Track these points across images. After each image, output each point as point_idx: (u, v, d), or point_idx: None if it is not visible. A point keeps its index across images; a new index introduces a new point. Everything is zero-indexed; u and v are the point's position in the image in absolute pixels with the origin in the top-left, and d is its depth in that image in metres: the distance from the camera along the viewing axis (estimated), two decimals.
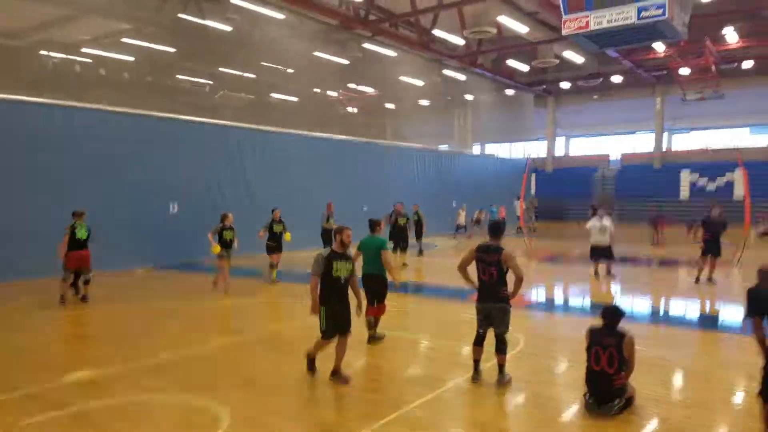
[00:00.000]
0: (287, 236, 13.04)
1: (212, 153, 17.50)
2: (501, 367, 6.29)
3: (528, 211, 29.36)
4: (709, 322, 10.09)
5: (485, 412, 5.70)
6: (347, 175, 22.15)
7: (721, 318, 10.29)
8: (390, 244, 15.27)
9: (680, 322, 10.21)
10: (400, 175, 24.75)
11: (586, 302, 11.66)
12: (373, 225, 8.33)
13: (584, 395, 5.57)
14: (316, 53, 23.29)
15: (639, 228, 25.29)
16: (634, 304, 11.46)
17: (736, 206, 23.85)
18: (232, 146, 18.14)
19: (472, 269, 6.43)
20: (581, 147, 39.78)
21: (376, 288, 8.12)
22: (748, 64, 29.21)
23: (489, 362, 6.47)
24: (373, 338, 8.11)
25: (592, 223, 13.44)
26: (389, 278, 8.12)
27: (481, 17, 20.40)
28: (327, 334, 6.21)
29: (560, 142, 40.19)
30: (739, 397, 6.10)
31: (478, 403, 5.93)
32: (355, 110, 26.64)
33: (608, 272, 13.51)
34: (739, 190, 28.05)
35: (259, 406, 5.71)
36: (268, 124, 20.33)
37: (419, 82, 27.20)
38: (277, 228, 13.06)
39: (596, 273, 13.49)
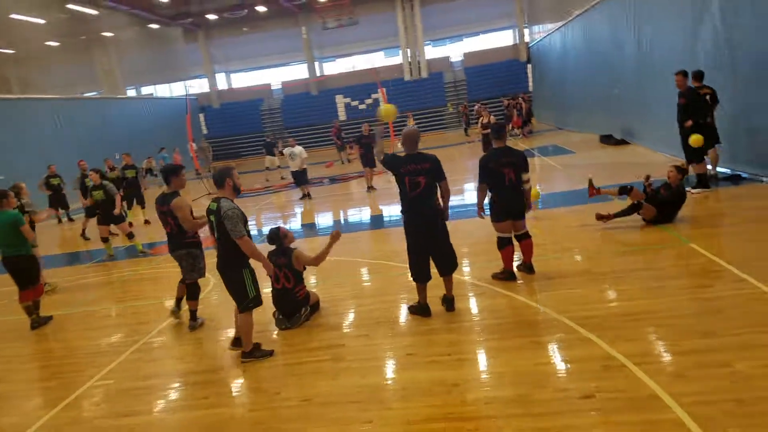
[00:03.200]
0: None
1: None
2: (193, 312, 6.20)
3: (203, 152, 28.57)
4: (376, 221, 11.52)
5: (175, 361, 5.46)
6: None
7: (386, 216, 11.79)
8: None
9: (356, 227, 11.44)
10: (40, 133, 20.92)
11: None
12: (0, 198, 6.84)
13: (273, 314, 5.88)
14: None
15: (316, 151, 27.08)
16: (319, 220, 12.40)
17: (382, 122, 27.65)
18: None
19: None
20: (244, 81, 39.90)
21: (25, 269, 6.89)
22: None
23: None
24: (38, 323, 6.93)
25: (288, 151, 14.78)
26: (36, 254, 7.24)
27: None
28: (256, 301, 4.98)
29: (221, 78, 39.54)
30: (405, 277, 7.21)
31: (173, 354, 5.64)
32: None
33: (307, 195, 14.86)
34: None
35: None
36: None
37: (39, 20, 22.83)
38: None
39: (304, 196, 14.84)
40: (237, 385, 4.73)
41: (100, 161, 14.65)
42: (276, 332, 5.70)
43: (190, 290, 6.15)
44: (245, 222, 4.89)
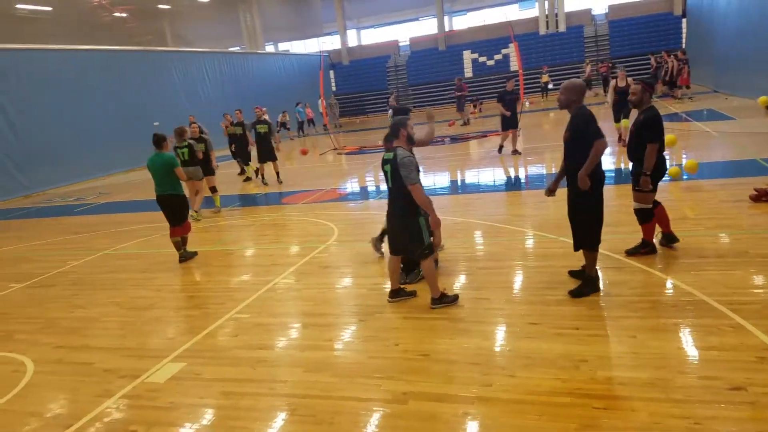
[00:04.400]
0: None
1: None
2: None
3: (331, 108, 29.46)
4: (499, 184, 11.19)
5: (302, 303, 5.74)
6: (128, 90, 19.75)
7: (504, 179, 11.45)
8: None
9: (473, 188, 11.20)
10: (189, 84, 22.74)
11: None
12: (159, 141, 7.53)
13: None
14: None
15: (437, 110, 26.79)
16: (436, 180, 12.33)
17: (513, 77, 26.44)
18: None
19: None
20: (374, 37, 40.16)
21: (176, 208, 7.58)
22: None
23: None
24: (185, 257, 7.64)
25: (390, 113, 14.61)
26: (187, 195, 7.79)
27: None
28: (431, 248, 5.05)
29: (353, 35, 40.04)
30: (529, 242, 6.97)
31: (300, 296, 5.94)
32: (124, 15, 23.19)
33: None
34: (514, 63, 31.07)
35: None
36: (20, 41, 16.93)
37: None
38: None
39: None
40: (358, 331, 4.87)
41: (243, 111, 15.23)
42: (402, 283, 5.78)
43: None
44: (418, 171, 4.94)
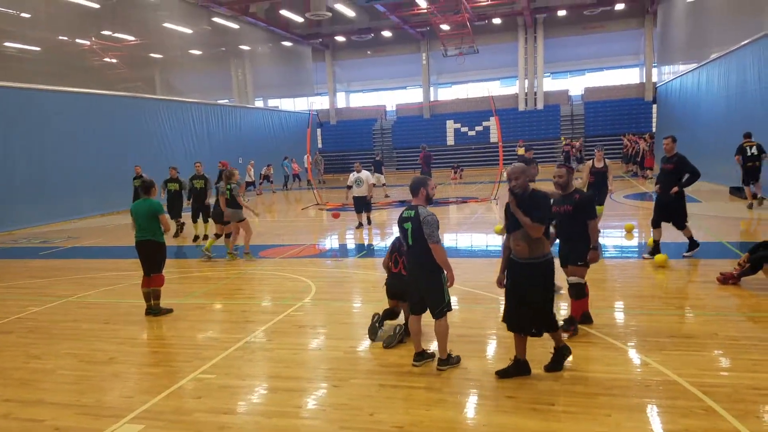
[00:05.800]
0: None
1: None
2: None
3: (316, 164, 29.82)
4: (489, 250, 11.23)
5: (273, 364, 5.52)
6: (111, 135, 19.65)
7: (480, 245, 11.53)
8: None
9: (462, 253, 11.21)
10: (176, 132, 22.80)
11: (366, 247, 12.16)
12: (148, 187, 7.43)
13: (373, 316, 5.99)
14: None
15: (415, 174, 27.28)
16: None
17: (492, 148, 27.29)
18: None
19: None
20: (361, 101, 41.34)
21: (154, 255, 7.34)
22: (497, 21, 32.88)
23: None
24: (152, 311, 7.32)
25: (353, 177, 13.58)
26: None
27: None
28: (449, 306, 5.01)
29: (341, 96, 41.15)
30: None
31: (272, 357, 5.72)
32: (114, 60, 23.47)
33: (368, 221, 13.93)
34: (494, 135, 32.11)
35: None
36: (4, 78, 16.87)
37: (187, 30, 25.04)
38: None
39: (363, 222, 13.84)
40: (331, 398, 4.66)
41: (230, 162, 14.98)
42: (370, 345, 5.68)
43: None
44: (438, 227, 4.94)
